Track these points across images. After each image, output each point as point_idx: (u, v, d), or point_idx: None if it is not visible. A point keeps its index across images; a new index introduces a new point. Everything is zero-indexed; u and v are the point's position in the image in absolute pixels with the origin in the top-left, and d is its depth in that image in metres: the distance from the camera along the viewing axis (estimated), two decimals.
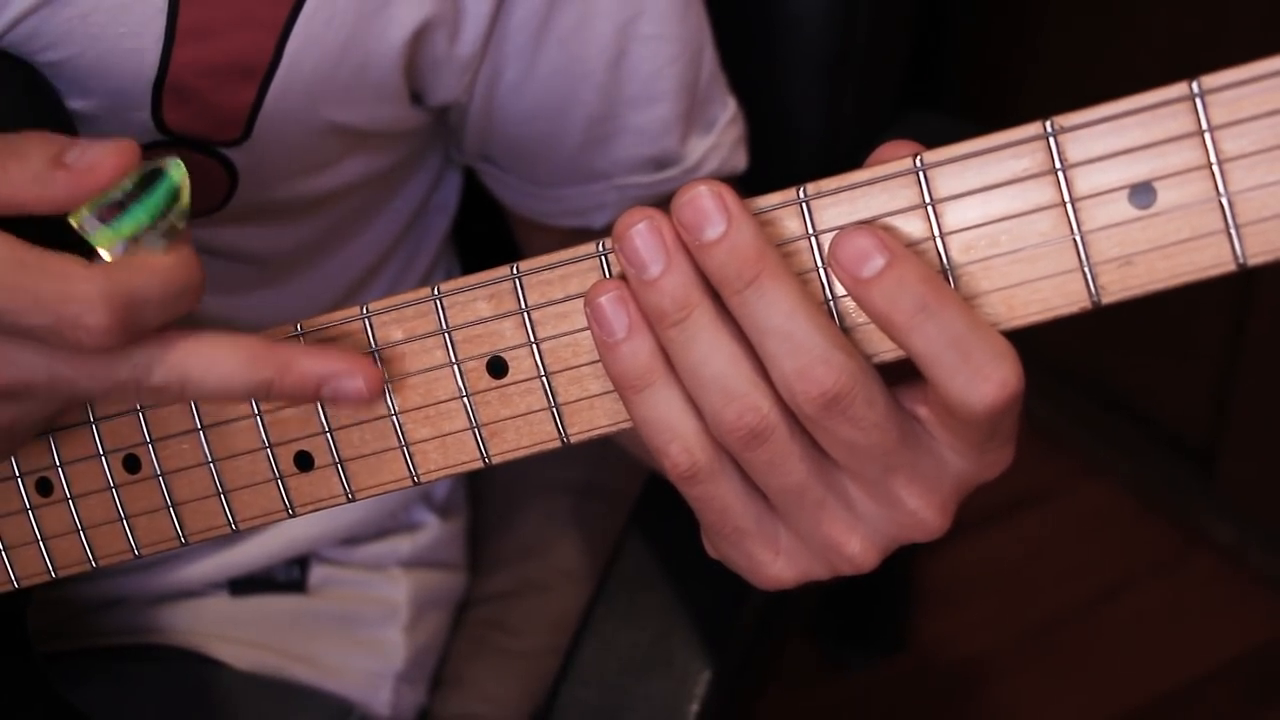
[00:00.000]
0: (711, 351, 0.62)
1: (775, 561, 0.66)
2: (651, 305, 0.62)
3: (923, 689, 1.96)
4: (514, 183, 0.98)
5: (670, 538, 1.07)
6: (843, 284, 0.60)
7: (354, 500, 0.70)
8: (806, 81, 1.18)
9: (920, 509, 0.64)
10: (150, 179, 0.63)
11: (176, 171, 0.64)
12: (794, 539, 0.66)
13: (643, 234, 0.61)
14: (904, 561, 1.96)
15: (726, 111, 0.98)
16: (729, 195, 0.61)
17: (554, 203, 0.98)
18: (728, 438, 0.62)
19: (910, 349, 0.60)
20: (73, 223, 0.63)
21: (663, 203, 0.96)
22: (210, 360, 0.65)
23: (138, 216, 0.63)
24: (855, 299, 0.61)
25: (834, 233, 0.62)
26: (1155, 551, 2.04)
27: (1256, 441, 2.00)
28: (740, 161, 1.00)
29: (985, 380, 0.59)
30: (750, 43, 1.04)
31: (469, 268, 1.10)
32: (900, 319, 0.59)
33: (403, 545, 1.11)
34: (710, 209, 0.60)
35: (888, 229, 0.61)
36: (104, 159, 0.63)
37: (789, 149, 1.20)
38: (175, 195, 0.63)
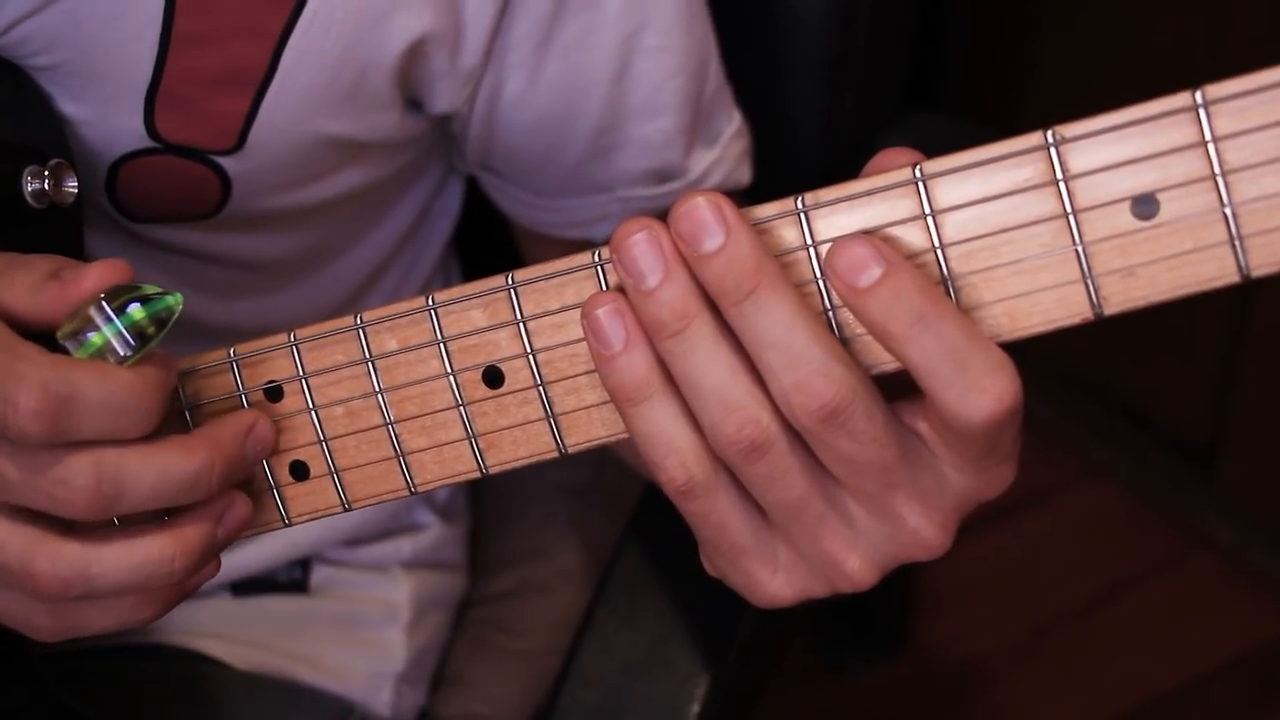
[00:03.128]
0: (710, 363, 0.61)
1: (773, 579, 0.66)
2: (650, 316, 0.61)
3: (923, 689, 1.96)
4: (516, 193, 0.98)
5: (671, 539, 1.07)
6: (839, 293, 0.60)
7: (350, 510, 0.70)
8: (806, 81, 1.18)
9: (921, 526, 0.64)
10: (129, 303, 0.64)
11: (161, 303, 0.64)
12: (792, 556, 0.65)
13: (641, 244, 0.61)
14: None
15: (731, 125, 0.98)
16: (727, 206, 0.60)
17: (556, 214, 0.97)
18: (727, 450, 0.62)
19: (906, 360, 0.60)
20: (58, 339, 0.64)
21: (665, 215, 0.96)
22: (146, 454, 0.64)
23: (104, 335, 0.63)
24: (851, 309, 0.60)
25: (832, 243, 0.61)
26: (1155, 551, 2.04)
27: (1256, 441, 2.00)
28: (745, 176, 1.00)
29: (982, 393, 0.59)
30: (750, 43, 1.04)
31: (471, 274, 1.10)
32: (896, 330, 0.59)
33: (404, 546, 1.11)
34: (708, 220, 0.60)
35: (886, 239, 0.61)
36: (89, 272, 0.64)
37: (789, 149, 1.19)
38: (146, 324, 0.64)
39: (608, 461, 1.21)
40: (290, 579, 1.07)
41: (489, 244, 1.09)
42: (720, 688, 1.03)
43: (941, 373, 0.59)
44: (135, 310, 0.64)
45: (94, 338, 0.63)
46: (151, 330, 0.64)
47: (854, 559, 0.64)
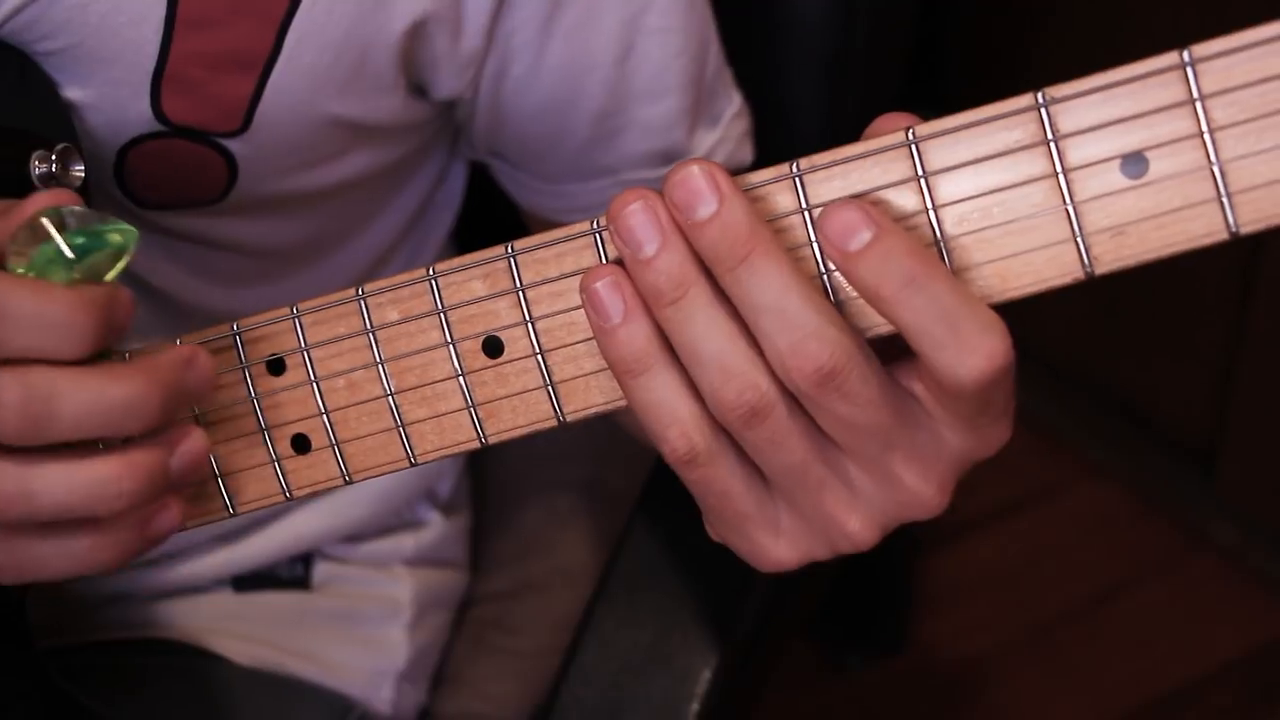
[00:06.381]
0: (709, 329, 0.62)
1: (776, 544, 0.66)
2: (648, 285, 0.62)
3: (923, 689, 1.96)
4: (522, 178, 0.98)
5: (671, 537, 1.07)
6: (830, 258, 0.61)
7: (351, 482, 0.70)
8: (806, 81, 1.18)
9: (919, 487, 0.64)
10: (80, 229, 0.63)
11: (109, 236, 0.63)
12: (795, 519, 0.66)
13: (637, 213, 0.62)
14: (904, 562, 1.96)
15: (732, 105, 0.99)
16: (720, 174, 0.61)
17: (561, 199, 0.98)
18: (727, 416, 0.62)
19: (898, 322, 0.60)
20: (5, 263, 0.63)
21: None
22: (79, 375, 0.63)
23: (44, 251, 0.62)
24: (843, 273, 0.61)
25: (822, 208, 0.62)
26: (1155, 551, 2.04)
27: (1256, 441, 2.00)
28: (746, 155, 1.01)
29: (973, 352, 0.59)
30: (750, 43, 1.04)
31: None
32: (887, 292, 0.60)
33: (406, 543, 1.11)
34: (702, 188, 0.61)
35: (876, 203, 0.61)
36: (35, 197, 0.64)
37: (789, 149, 1.19)
38: (94, 247, 0.63)
39: (608, 459, 1.21)
40: (292, 575, 1.07)
41: (490, 239, 1.09)
42: (720, 686, 1.03)
43: (934, 334, 0.59)
44: (79, 231, 0.62)
45: (35, 254, 0.62)
46: (95, 249, 0.63)
47: (855, 520, 0.65)
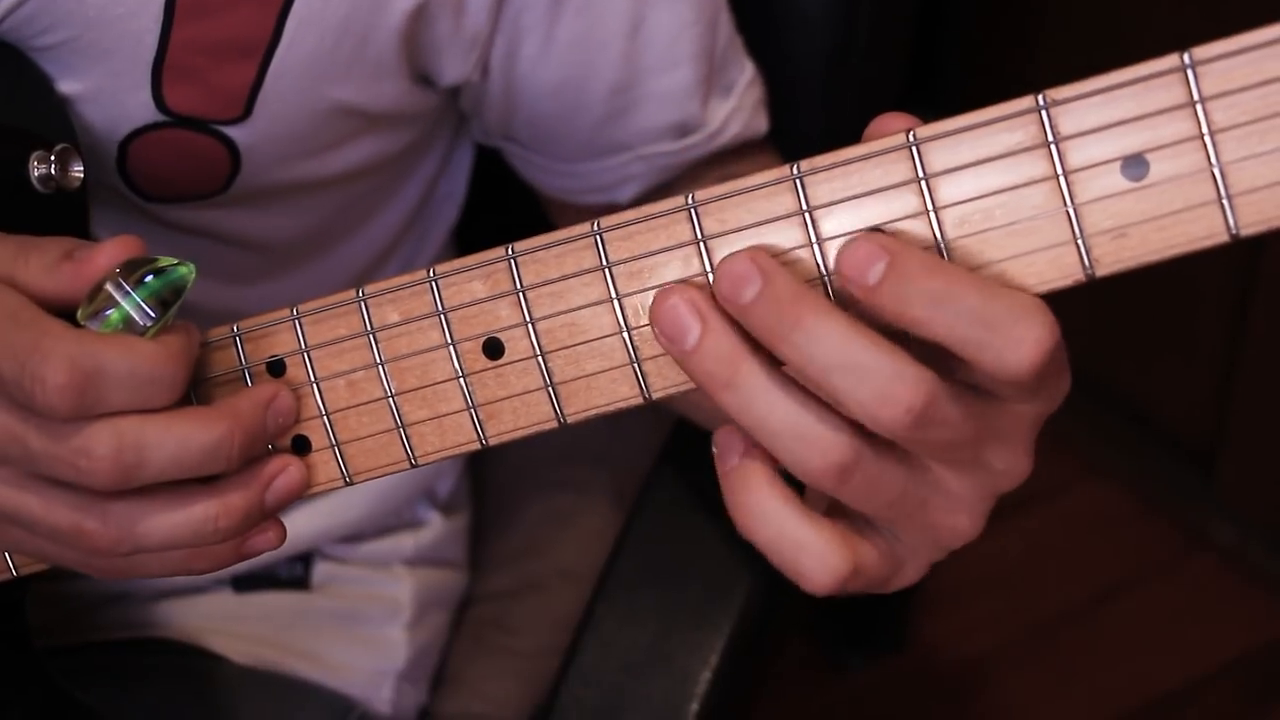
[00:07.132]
0: (773, 401, 0.61)
1: (902, 574, 0.66)
2: (700, 372, 0.61)
3: (923, 689, 1.96)
4: (538, 161, 0.98)
5: (671, 537, 1.07)
6: (859, 299, 0.60)
7: (352, 484, 0.71)
8: (807, 80, 1.18)
9: (1010, 466, 0.64)
10: (144, 275, 0.65)
11: (175, 273, 0.66)
12: (903, 542, 0.65)
13: (676, 305, 0.61)
14: None
15: (745, 74, 0.98)
16: (759, 254, 0.61)
17: (578, 179, 0.98)
18: (817, 481, 0.61)
19: (935, 339, 0.59)
20: (79, 320, 0.65)
21: (687, 171, 0.96)
22: (166, 424, 0.65)
23: (123, 309, 0.65)
24: (869, 308, 0.60)
25: (828, 208, 0.62)
26: (1155, 551, 2.04)
27: (1256, 441, 2.00)
28: (761, 124, 1.00)
29: (1018, 344, 0.58)
30: (750, 41, 1.04)
31: None
32: (917, 313, 0.59)
33: (406, 543, 1.11)
34: (746, 270, 0.60)
35: (882, 229, 0.61)
36: (102, 249, 0.66)
37: (788, 148, 1.19)
38: (164, 293, 0.65)
39: (608, 459, 1.21)
40: (292, 575, 1.07)
41: (492, 239, 1.09)
42: (720, 686, 1.03)
43: (973, 339, 0.58)
44: (151, 281, 0.65)
45: (113, 314, 0.65)
46: (169, 299, 0.65)
47: (961, 518, 0.64)
